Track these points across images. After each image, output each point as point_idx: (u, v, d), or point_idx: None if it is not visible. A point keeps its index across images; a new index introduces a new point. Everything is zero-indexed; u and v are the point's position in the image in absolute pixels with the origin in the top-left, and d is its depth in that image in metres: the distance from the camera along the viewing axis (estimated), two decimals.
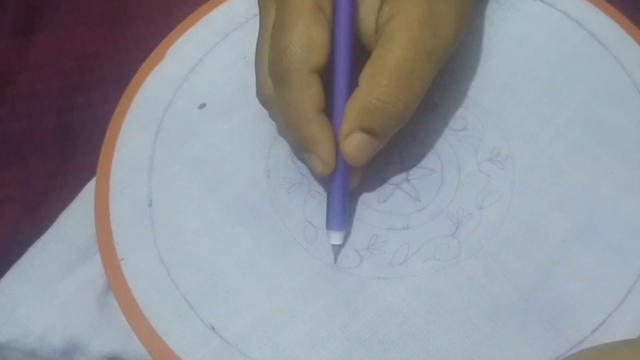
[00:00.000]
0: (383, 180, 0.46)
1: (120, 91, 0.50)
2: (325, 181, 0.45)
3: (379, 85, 0.40)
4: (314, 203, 0.46)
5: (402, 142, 0.47)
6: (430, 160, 0.46)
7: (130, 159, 0.47)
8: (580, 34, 0.49)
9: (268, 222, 0.45)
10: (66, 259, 0.45)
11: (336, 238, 0.43)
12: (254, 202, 0.46)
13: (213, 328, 0.42)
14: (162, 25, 0.53)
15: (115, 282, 0.43)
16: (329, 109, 0.42)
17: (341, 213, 0.43)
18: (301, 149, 0.43)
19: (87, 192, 0.47)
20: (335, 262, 0.44)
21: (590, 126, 0.47)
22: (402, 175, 0.46)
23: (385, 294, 0.43)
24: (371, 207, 0.45)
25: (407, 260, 0.43)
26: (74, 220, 0.46)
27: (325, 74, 0.42)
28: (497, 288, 0.42)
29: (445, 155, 0.46)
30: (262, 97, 0.44)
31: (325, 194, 0.45)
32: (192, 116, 0.49)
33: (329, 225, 0.43)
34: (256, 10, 0.47)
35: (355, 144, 0.41)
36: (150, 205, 0.46)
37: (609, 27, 0.49)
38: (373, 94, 0.40)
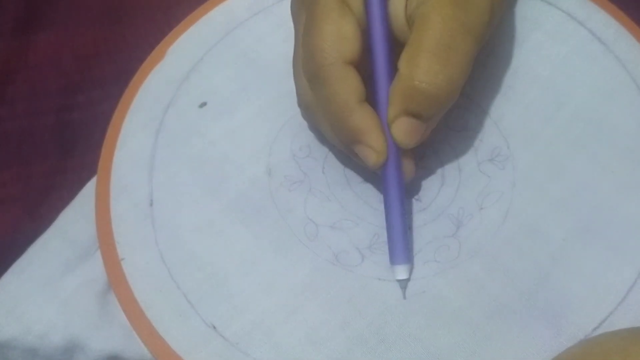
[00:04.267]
0: None
1: (120, 90, 0.50)
2: (325, 181, 0.45)
3: (418, 66, 0.40)
4: (315, 201, 0.46)
5: None
6: (430, 161, 0.46)
7: (131, 158, 0.47)
8: (581, 33, 0.49)
9: (269, 221, 0.45)
10: (67, 258, 0.45)
11: (402, 273, 0.43)
12: (255, 201, 0.46)
13: (214, 327, 0.42)
14: (163, 24, 0.53)
15: (116, 281, 0.43)
16: (373, 102, 0.42)
17: (404, 244, 0.43)
18: (350, 144, 0.42)
19: (88, 191, 0.47)
20: (404, 298, 0.43)
21: (591, 125, 0.47)
22: None
23: (386, 295, 0.43)
24: (373, 206, 0.45)
25: None
26: (75, 219, 0.46)
27: (365, 69, 0.42)
28: (497, 288, 0.42)
29: (446, 156, 0.47)
30: (303, 105, 0.44)
31: (326, 192, 0.46)
32: (193, 115, 0.49)
33: (393, 260, 0.43)
34: (256, 8, 0.48)
35: (403, 128, 0.41)
36: (151, 204, 0.46)
37: (610, 26, 0.49)
38: (413, 76, 0.40)
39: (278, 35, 0.51)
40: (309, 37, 0.41)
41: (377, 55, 0.42)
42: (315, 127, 0.46)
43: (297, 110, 0.46)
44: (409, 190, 0.46)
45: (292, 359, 0.41)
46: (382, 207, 0.44)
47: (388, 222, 0.43)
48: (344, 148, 0.43)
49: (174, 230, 0.45)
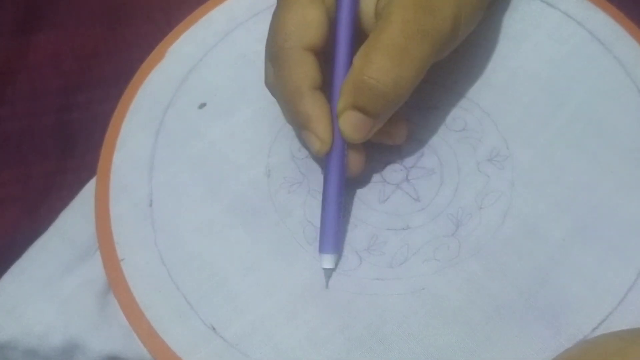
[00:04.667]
0: (383, 180, 0.46)
1: (120, 91, 0.50)
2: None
3: (370, 63, 0.40)
4: (314, 202, 0.46)
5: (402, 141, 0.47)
6: (430, 161, 0.46)
7: (130, 158, 0.47)
8: (580, 33, 0.49)
9: (268, 223, 0.45)
10: (66, 258, 0.45)
11: (329, 262, 0.43)
12: (254, 202, 0.46)
13: (214, 328, 0.42)
14: (162, 24, 0.53)
15: (116, 282, 0.44)
16: (330, 91, 0.43)
17: (334, 234, 0.43)
18: (298, 128, 0.43)
19: (87, 192, 0.47)
20: (327, 287, 0.43)
21: (590, 126, 0.47)
22: (402, 175, 0.46)
23: (385, 294, 0.43)
24: (371, 207, 0.45)
25: (407, 261, 0.43)
26: (74, 220, 0.46)
27: (327, 58, 0.43)
28: (497, 288, 0.42)
29: (445, 156, 0.47)
30: (267, 84, 0.45)
31: None
32: (193, 116, 0.49)
33: (322, 248, 0.43)
34: (256, 9, 0.48)
35: (349, 121, 0.42)
36: (150, 205, 0.46)
37: (609, 27, 0.49)
38: (364, 71, 0.40)
39: None
40: (276, 18, 0.42)
41: (339, 46, 0.43)
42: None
43: None
44: (409, 188, 0.46)
45: None
46: (380, 207, 0.44)
47: (323, 211, 0.43)
48: (295, 131, 0.45)
49: (173, 231, 0.45)
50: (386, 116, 0.42)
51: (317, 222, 0.44)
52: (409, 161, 0.47)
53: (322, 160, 0.47)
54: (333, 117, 0.42)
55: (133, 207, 0.46)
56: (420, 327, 0.42)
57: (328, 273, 0.44)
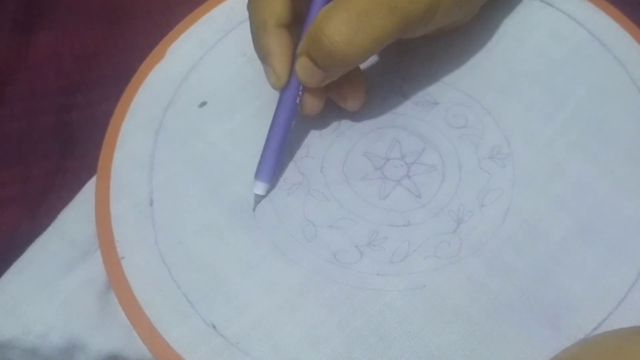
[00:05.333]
0: (383, 176, 0.46)
1: (120, 91, 0.50)
2: (324, 181, 0.46)
3: (329, 19, 0.41)
4: (313, 202, 0.46)
5: (403, 136, 0.47)
6: (431, 157, 0.46)
7: (130, 157, 0.47)
8: (581, 33, 0.50)
9: (268, 225, 0.45)
10: (67, 257, 0.45)
11: (260, 189, 0.46)
12: (253, 205, 0.46)
13: (214, 327, 0.42)
14: (162, 24, 0.54)
15: (116, 281, 0.43)
16: (301, 30, 0.44)
17: (272, 165, 0.46)
18: (260, 59, 0.45)
19: (88, 191, 0.47)
20: (253, 210, 0.45)
21: (591, 125, 0.47)
22: (403, 171, 0.46)
23: (385, 290, 0.43)
24: (372, 203, 0.45)
25: (407, 257, 0.43)
26: (74, 219, 0.46)
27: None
28: (497, 286, 0.42)
29: (446, 152, 0.47)
30: (247, 8, 0.46)
31: (325, 192, 0.46)
32: (193, 115, 0.49)
33: (258, 175, 0.45)
34: None
35: (302, 66, 0.43)
36: (151, 204, 0.46)
37: (609, 27, 0.49)
38: (320, 25, 0.41)
39: None
40: None
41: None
42: None
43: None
44: (410, 185, 0.46)
45: (291, 359, 0.41)
46: (381, 204, 0.45)
47: (266, 141, 0.45)
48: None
49: (174, 230, 0.45)
50: (336, 73, 0.43)
51: (317, 221, 0.45)
52: (410, 157, 0.47)
53: (321, 158, 0.47)
54: (294, 56, 0.44)
55: (133, 206, 0.46)
56: (420, 324, 0.41)
57: (258, 199, 0.46)
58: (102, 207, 0.46)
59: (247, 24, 0.45)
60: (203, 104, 0.49)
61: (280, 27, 0.43)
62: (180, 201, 0.46)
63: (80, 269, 0.44)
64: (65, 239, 0.45)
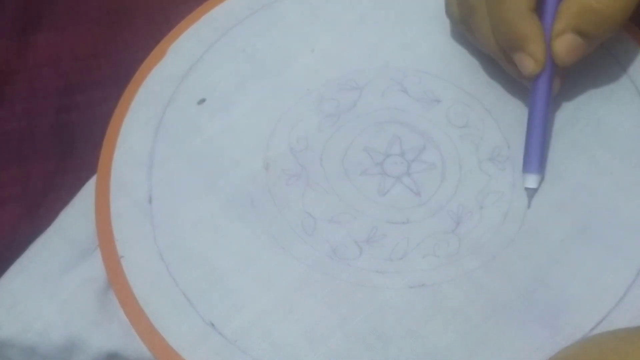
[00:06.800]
0: (383, 172, 0.46)
1: (120, 90, 0.50)
2: (323, 174, 0.46)
3: None
4: (313, 194, 0.46)
5: (403, 133, 0.47)
6: (431, 155, 0.46)
7: (130, 156, 0.47)
8: None
9: (267, 216, 0.45)
10: (67, 256, 0.45)
11: (532, 181, 0.44)
12: (253, 196, 0.46)
13: (212, 325, 0.42)
14: (161, 24, 0.53)
15: (115, 279, 0.43)
16: (540, 12, 0.44)
17: (539, 154, 0.44)
18: (511, 50, 0.44)
19: (88, 190, 0.47)
20: (529, 207, 0.44)
21: (590, 127, 0.47)
22: (403, 168, 0.46)
23: (384, 288, 0.43)
24: (371, 199, 0.45)
25: (406, 255, 0.43)
26: (75, 218, 0.46)
27: None
28: (496, 286, 0.42)
29: (447, 151, 0.47)
30: (465, 8, 0.45)
31: (325, 185, 0.46)
32: (192, 112, 0.49)
33: (527, 168, 0.45)
34: (256, 6, 0.48)
35: (566, 44, 0.43)
36: (150, 202, 0.46)
37: None
38: None
39: (276, 29, 0.51)
40: None
41: None
42: (469, 34, 0.47)
43: (295, 102, 0.47)
44: (409, 182, 0.46)
45: (290, 357, 0.41)
46: (381, 200, 0.45)
47: (528, 132, 0.45)
48: (499, 55, 0.45)
49: (172, 228, 0.45)
50: (600, 41, 0.44)
51: (316, 213, 0.45)
52: (410, 154, 0.47)
53: (321, 151, 0.47)
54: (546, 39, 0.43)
55: (133, 204, 0.46)
56: (419, 323, 0.42)
57: (531, 193, 0.45)
58: (102, 206, 0.46)
59: (247, 22, 0.45)
60: (202, 100, 0.49)
61: (532, 11, 0.43)
62: (179, 198, 0.46)
63: (80, 268, 0.44)
64: (65, 237, 0.45)
